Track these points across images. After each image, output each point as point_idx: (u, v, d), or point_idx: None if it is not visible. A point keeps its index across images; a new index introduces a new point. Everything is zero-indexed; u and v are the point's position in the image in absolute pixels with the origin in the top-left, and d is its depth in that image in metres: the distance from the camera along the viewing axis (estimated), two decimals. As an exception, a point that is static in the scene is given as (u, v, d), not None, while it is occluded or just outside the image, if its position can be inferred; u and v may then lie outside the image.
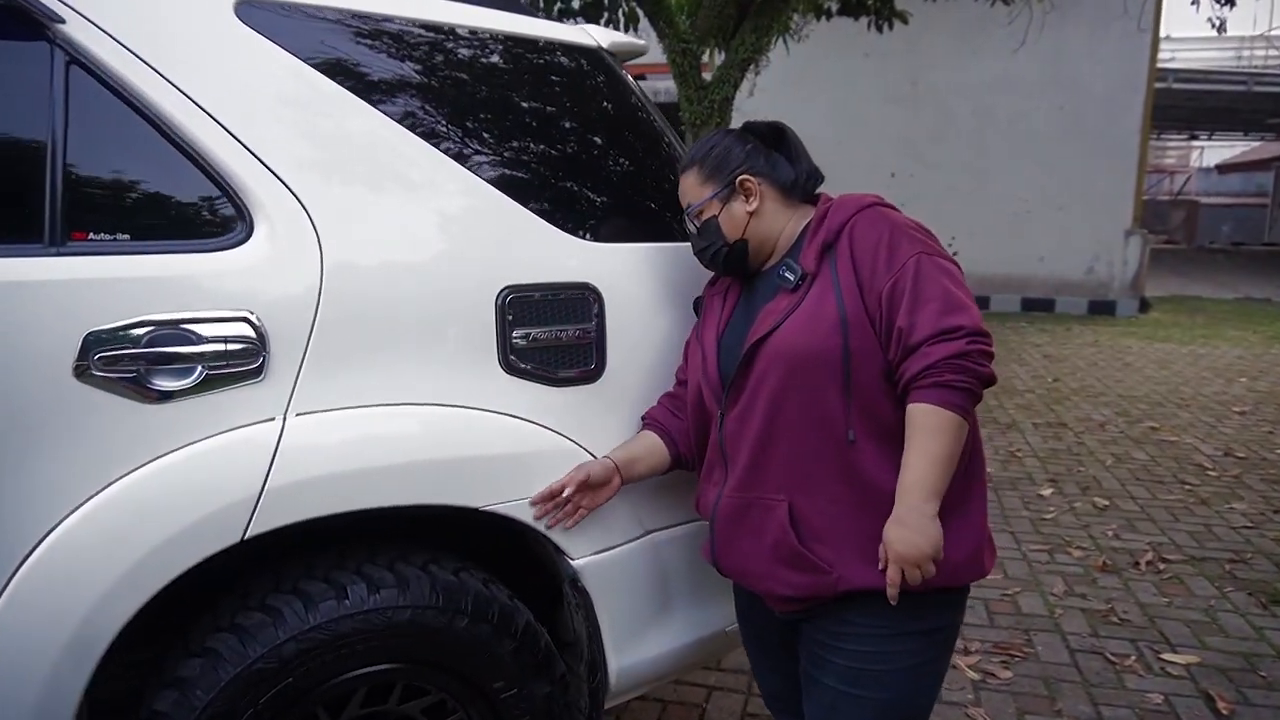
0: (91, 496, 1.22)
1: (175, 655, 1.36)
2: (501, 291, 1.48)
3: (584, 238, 1.58)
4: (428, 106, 1.50)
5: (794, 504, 1.35)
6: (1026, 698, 2.44)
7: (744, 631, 1.63)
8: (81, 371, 1.20)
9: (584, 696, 1.68)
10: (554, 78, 1.68)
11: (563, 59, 1.69)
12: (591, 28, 1.76)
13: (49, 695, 1.21)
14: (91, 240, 1.25)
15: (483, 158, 1.52)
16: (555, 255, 1.54)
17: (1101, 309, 10.48)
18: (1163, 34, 11.37)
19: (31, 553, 1.19)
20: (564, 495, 1.47)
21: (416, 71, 1.51)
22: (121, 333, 1.22)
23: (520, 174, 1.56)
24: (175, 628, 1.42)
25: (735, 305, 1.50)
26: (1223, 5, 7.64)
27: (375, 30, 1.48)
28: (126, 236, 1.28)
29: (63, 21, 1.24)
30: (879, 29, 7.16)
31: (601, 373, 1.58)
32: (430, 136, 1.48)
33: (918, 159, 10.76)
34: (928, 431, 1.24)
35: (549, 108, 1.64)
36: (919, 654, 1.35)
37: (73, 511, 1.21)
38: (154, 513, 1.24)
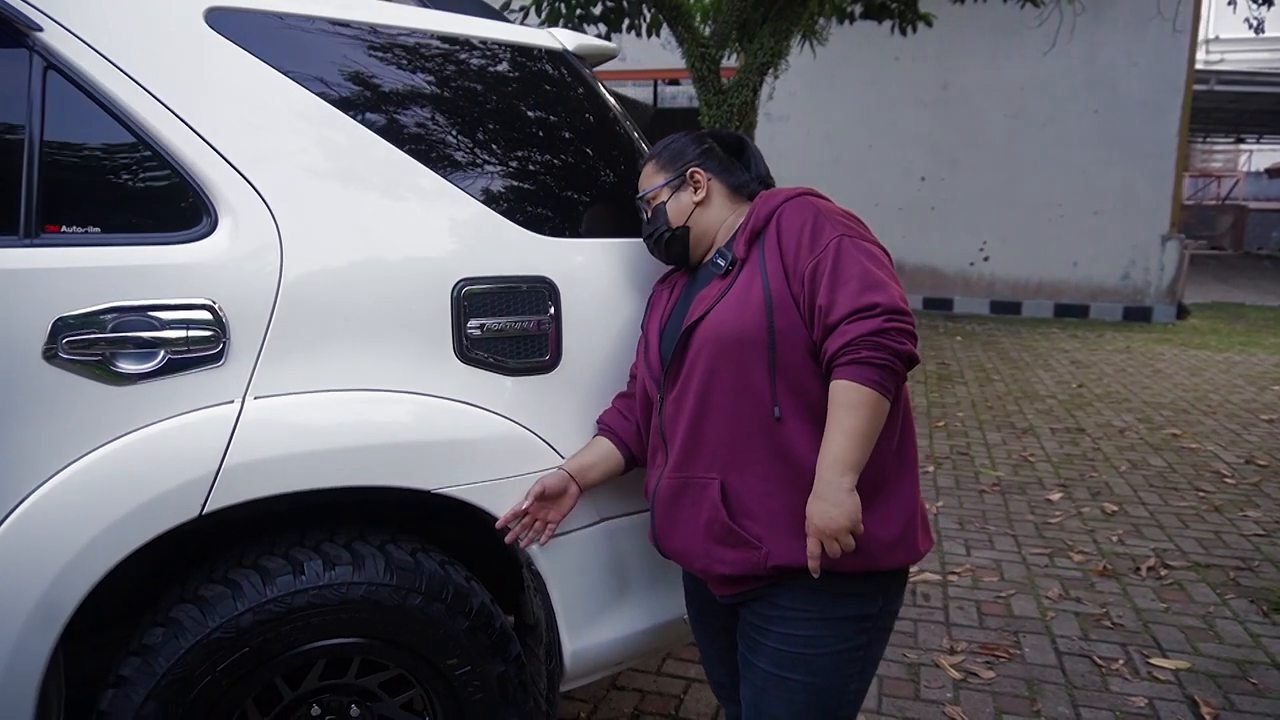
0: (58, 471, 1.30)
1: (143, 625, 1.45)
2: (457, 284, 1.54)
3: (542, 233, 1.63)
4: (389, 106, 1.57)
5: (726, 482, 1.39)
6: (1006, 698, 2.44)
7: (691, 615, 1.67)
8: (50, 354, 1.28)
9: (542, 678, 1.74)
10: (517, 79, 1.74)
11: (527, 61, 1.75)
12: (559, 31, 1.81)
13: (18, 654, 1.29)
14: (64, 232, 1.34)
15: (442, 155, 1.59)
16: (512, 250, 1.60)
17: (1137, 315, 10.27)
18: (1212, 35, 11.14)
19: (2, 522, 1.28)
20: (525, 509, 1.54)
21: (378, 73, 1.58)
22: (89, 318, 1.30)
23: (479, 171, 1.62)
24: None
25: (679, 296, 1.56)
26: (1260, 5, 7.49)
27: (338, 35, 1.56)
28: (97, 229, 1.36)
29: (41, 30, 1.33)
30: (903, 32, 7.14)
31: (558, 363, 1.63)
32: (391, 135, 1.55)
33: (949, 162, 10.66)
34: (845, 407, 1.27)
35: (510, 108, 1.70)
36: (847, 640, 1.38)
37: (40, 485, 1.29)
38: (116, 488, 1.32)
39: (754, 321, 1.35)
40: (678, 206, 1.53)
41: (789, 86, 9.60)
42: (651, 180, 1.57)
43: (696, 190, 1.53)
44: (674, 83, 13.43)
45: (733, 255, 1.44)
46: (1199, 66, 11.19)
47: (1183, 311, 10.45)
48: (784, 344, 1.35)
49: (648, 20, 6.47)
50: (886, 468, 1.36)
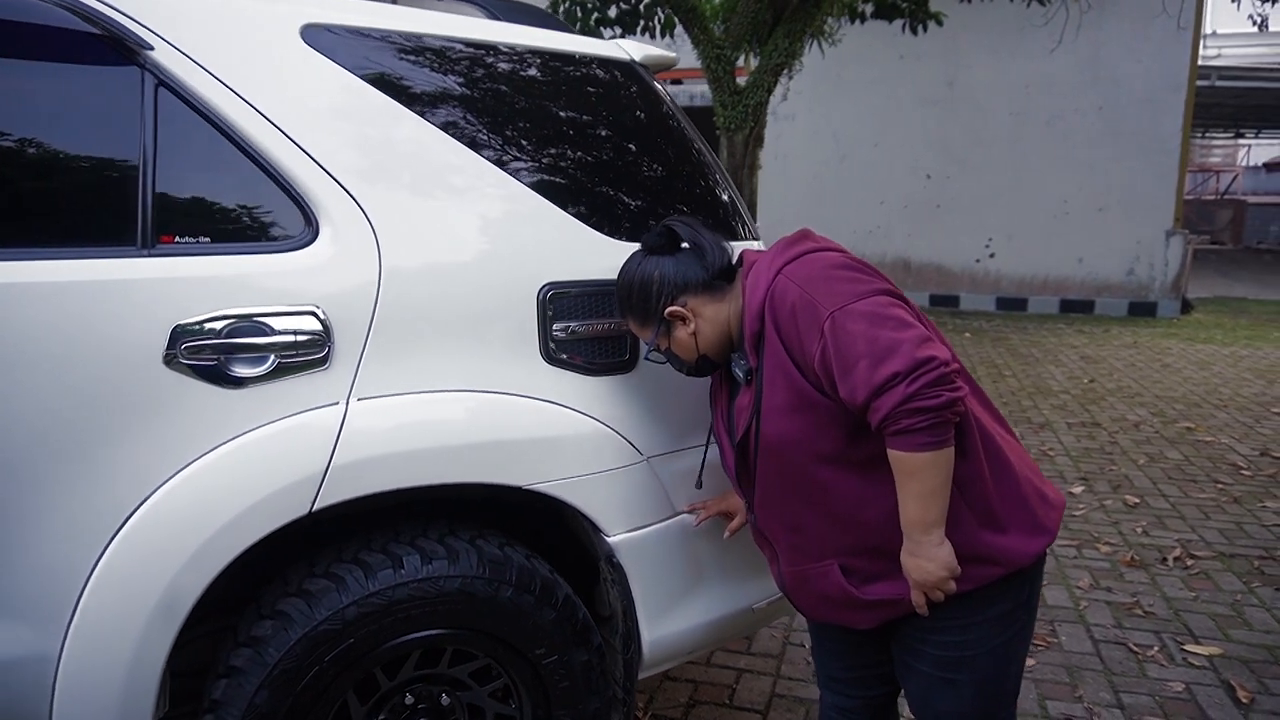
0: (178, 472, 1.36)
1: (249, 617, 1.51)
2: (543, 288, 1.60)
3: (619, 238, 1.70)
4: (474, 118, 1.63)
5: (843, 564, 1.43)
6: (1049, 684, 2.50)
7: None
8: (170, 360, 1.34)
9: (619, 667, 1.80)
10: (590, 90, 1.80)
11: (598, 72, 1.81)
12: (625, 42, 1.88)
13: (140, 653, 1.35)
14: (178, 243, 1.40)
15: (524, 164, 1.65)
16: (592, 254, 1.66)
17: (1142, 310, 10.37)
18: (1208, 30, 11.23)
19: (126, 521, 1.34)
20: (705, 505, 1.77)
21: (462, 85, 1.64)
22: (204, 325, 1.36)
23: (559, 179, 1.68)
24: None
25: (726, 396, 1.59)
26: (1264, 1, 7.58)
27: (427, 49, 1.62)
28: (208, 239, 1.42)
29: (151, 49, 1.39)
30: (914, 30, 7.22)
31: (635, 363, 1.70)
32: (477, 146, 1.61)
33: (954, 160, 10.75)
34: (906, 475, 1.29)
35: (585, 117, 1.76)
36: (1004, 632, 1.43)
37: (161, 485, 1.35)
38: (231, 487, 1.38)
39: (794, 426, 1.37)
40: (681, 345, 1.52)
41: (795, 85, 9.66)
42: (644, 334, 1.55)
43: (685, 323, 1.50)
44: (676, 82, 13.48)
45: (747, 364, 1.43)
46: (1199, 62, 11.26)
47: (1187, 306, 10.55)
48: (821, 438, 1.36)
49: (662, 22, 6.53)
50: (988, 490, 1.37)
